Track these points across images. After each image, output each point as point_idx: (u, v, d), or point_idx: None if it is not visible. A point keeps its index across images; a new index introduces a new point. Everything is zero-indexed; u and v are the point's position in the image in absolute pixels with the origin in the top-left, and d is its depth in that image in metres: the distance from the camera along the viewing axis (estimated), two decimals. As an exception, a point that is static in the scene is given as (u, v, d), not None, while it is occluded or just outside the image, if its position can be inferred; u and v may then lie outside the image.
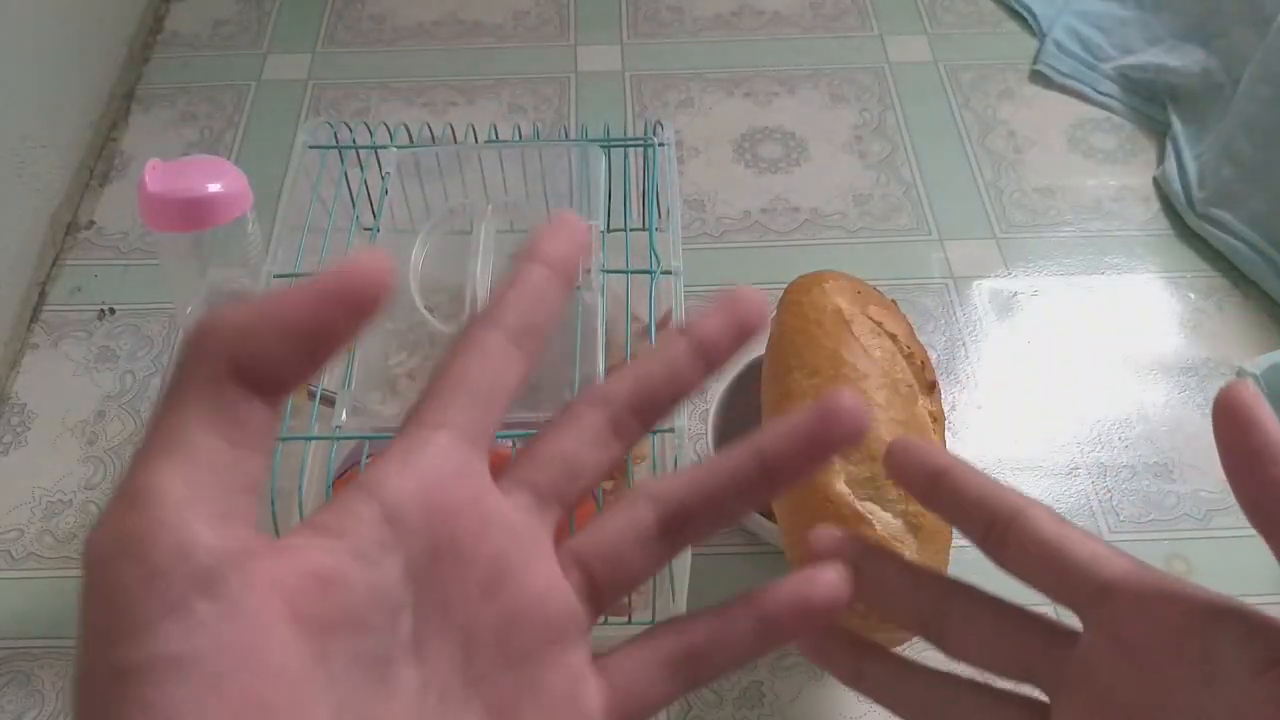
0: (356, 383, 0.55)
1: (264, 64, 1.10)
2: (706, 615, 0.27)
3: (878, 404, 0.60)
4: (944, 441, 0.64)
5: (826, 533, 0.30)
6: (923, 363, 0.64)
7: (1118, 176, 0.99)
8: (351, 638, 0.21)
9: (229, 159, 0.90)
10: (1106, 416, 0.82)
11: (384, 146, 0.66)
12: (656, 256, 0.60)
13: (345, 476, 0.55)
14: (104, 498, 0.76)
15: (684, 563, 0.56)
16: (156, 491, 0.19)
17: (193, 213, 0.64)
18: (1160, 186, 0.98)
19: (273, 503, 0.51)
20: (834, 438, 0.26)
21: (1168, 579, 0.27)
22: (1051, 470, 0.78)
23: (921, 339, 0.69)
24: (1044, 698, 0.29)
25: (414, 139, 0.68)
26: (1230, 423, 0.26)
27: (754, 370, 0.71)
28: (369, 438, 0.54)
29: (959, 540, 0.70)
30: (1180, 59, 1.02)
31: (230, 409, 0.20)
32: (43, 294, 0.89)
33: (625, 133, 0.69)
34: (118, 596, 0.19)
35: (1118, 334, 0.87)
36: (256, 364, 0.20)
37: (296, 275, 0.60)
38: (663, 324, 0.62)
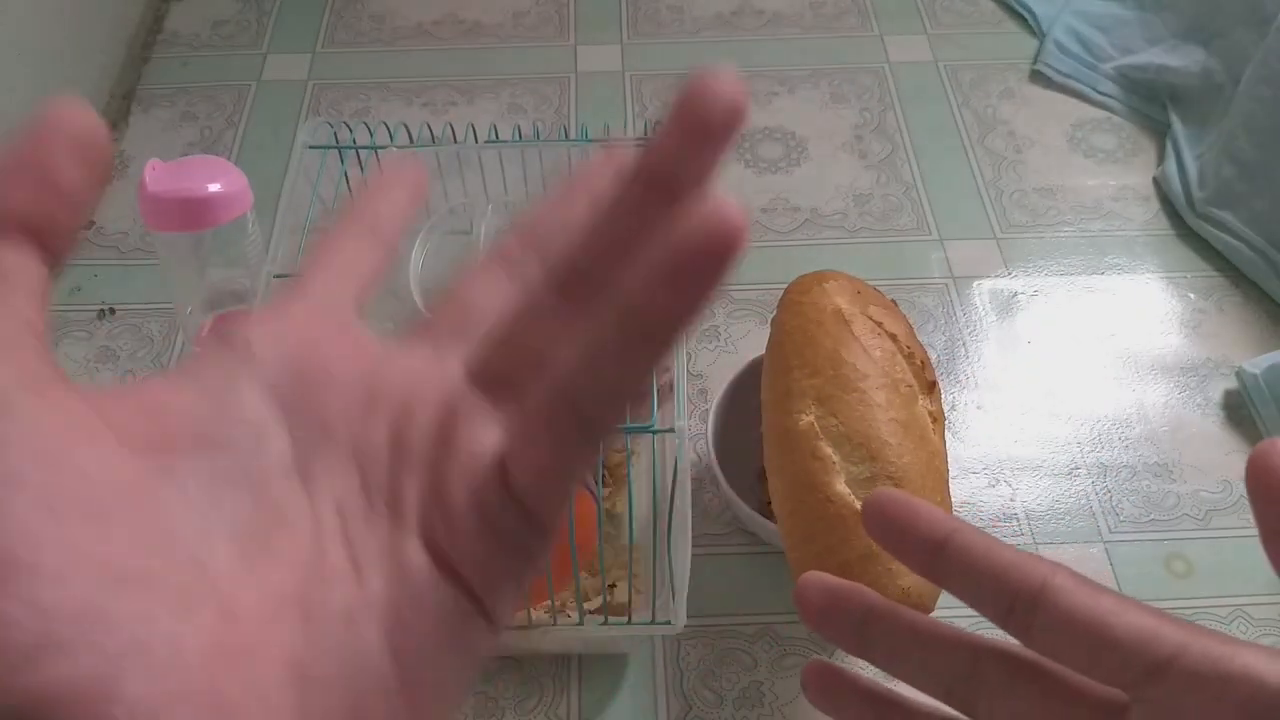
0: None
1: (264, 64, 1.10)
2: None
3: (878, 404, 0.60)
4: (944, 441, 0.64)
5: (824, 579, 0.27)
6: (923, 363, 0.64)
7: (1118, 176, 0.99)
8: (202, 457, 0.19)
9: (229, 159, 0.90)
10: (1106, 416, 0.82)
11: (384, 146, 0.66)
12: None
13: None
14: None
15: (684, 563, 0.56)
16: None
17: (192, 213, 0.64)
18: (1160, 186, 0.98)
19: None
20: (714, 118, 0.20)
21: (1225, 655, 0.24)
22: (1051, 470, 0.78)
23: (921, 339, 0.69)
24: None
25: (414, 139, 0.68)
26: (1264, 488, 0.24)
27: (754, 370, 0.71)
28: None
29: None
30: (1181, 59, 1.02)
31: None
32: (43, 294, 0.89)
33: (625, 133, 0.69)
34: None
35: (1118, 334, 0.87)
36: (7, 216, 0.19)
37: (297, 275, 0.60)
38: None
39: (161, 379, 0.20)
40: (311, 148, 0.67)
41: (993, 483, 0.78)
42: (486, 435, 0.20)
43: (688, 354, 0.84)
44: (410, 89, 1.07)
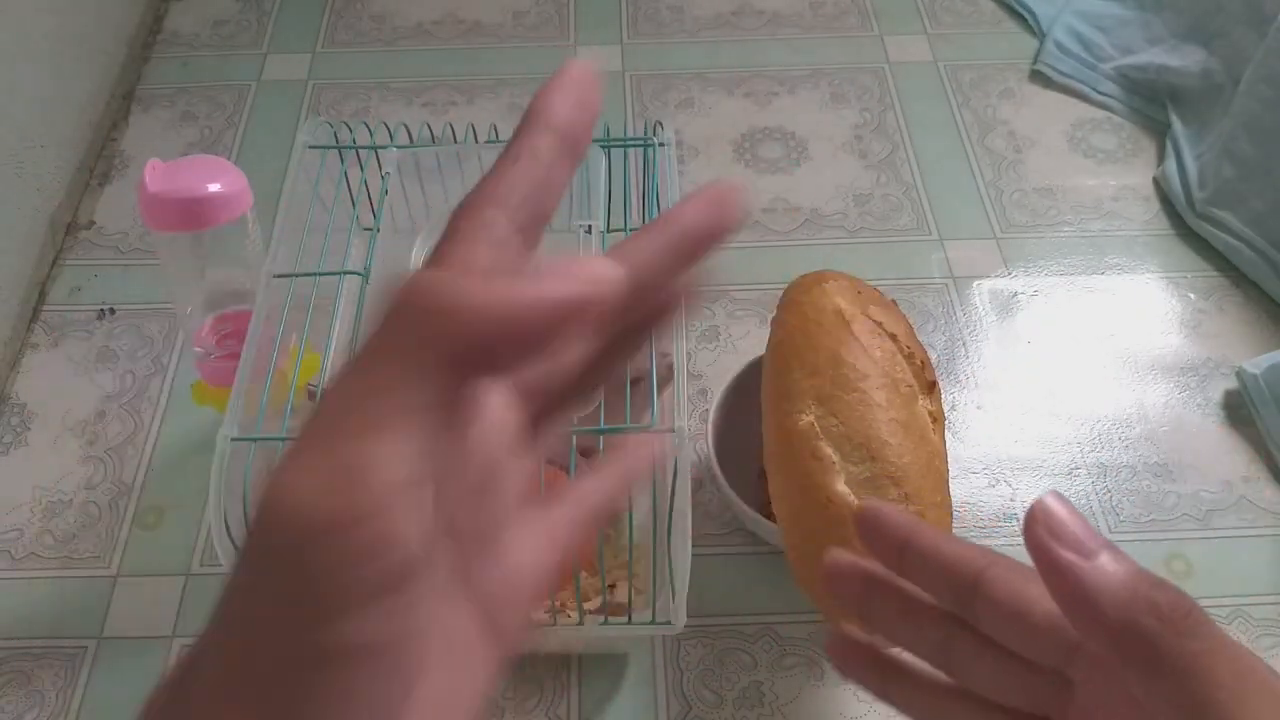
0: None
1: (264, 64, 1.10)
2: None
3: (878, 404, 0.60)
4: (944, 441, 0.64)
5: (838, 556, 0.31)
6: (923, 363, 0.64)
7: (1118, 176, 0.99)
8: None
9: (229, 159, 0.90)
10: (1106, 416, 0.82)
11: (384, 146, 0.66)
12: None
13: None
14: (104, 497, 0.76)
15: (684, 562, 0.56)
16: (370, 471, 0.18)
17: (192, 212, 0.64)
18: (1160, 186, 0.98)
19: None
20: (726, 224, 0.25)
21: None
22: (1051, 470, 0.78)
23: (921, 339, 0.69)
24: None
25: (414, 139, 0.68)
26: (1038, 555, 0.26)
27: (754, 370, 0.71)
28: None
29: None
30: (1181, 59, 1.02)
31: (446, 393, 0.19)
32: (43, 294, 0.89)
33: (625, 133, 0.69)
34: (318, 577, 0.18)
35: (1118, 334, 0.87)
36: (481, 357, 0.20)
37: (296, 275, 0.60)
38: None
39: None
40: (311, 147, 0.67)
41: (993, 483, 0.78)
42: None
43: (688, 354, 0.84)
44: (410, 89, 1.07)
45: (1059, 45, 1.08)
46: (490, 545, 0.24)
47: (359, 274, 0.60)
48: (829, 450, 0.59)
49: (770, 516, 0.64)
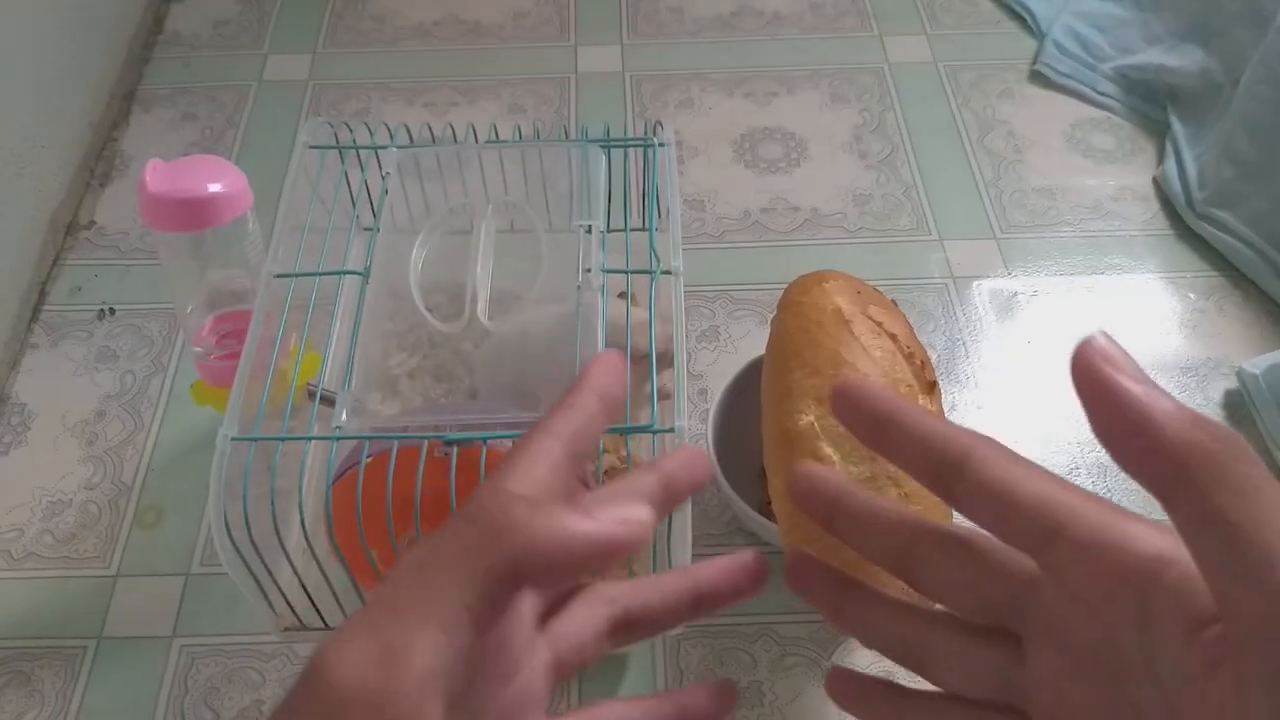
0: (356, 383, 0.55)
1: (264, 64, 1.10)
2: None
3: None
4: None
5: (807, 470, 0.31)
6: (923, 363, 0.64)
7: (1117, 176, 0.99)
8: None
9: (229, 159, 0.90)
10: (1106, 416, 0.81)
11: (384, 146, 0.66)
12: (656, 256, 0.60)
13: (344, 477, 0.55)
14: (104, 497, 0.76)
15: (684, 562, 0.56)
16: (412, 655, 0.22)
17: (193, 213, 0.64)
18: (1160, 186, 0.98)
19: (273, 503, 0.51)
20: (742, 589, 0.32)
21: (1112, 523, 0.26)
22: (1052, 470, 0.78)
23: (921, 339, 0.69)
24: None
25: (414, 139, 0.68)
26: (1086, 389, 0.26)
27: (754, 370, 0.71)
28: (369, 437, 0.54)
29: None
30: (1180, 59, 1.02)
31: (495, 603, 0.24)
32: (43, 294, 0.89)
33: (625, 133, 0.69)
34: None
35: (1118, 334, 0.86)
36: (530, 576, 0.24)
37: (296, 275, 0.60)
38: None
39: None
40: (312, 147, 0.67)
41: (992, 483, 0.78)
42: None
43: (687, 354, 0.84)
44: (411, 89, 1.07)
45: (1058, 45, 1.08)
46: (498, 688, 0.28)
47: (359, 274, 0.60)
48: (829, 450, 0.59)
49: (770, 516, 0.64)
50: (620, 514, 0.26)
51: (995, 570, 0.29)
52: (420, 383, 0.70)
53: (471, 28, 1.14)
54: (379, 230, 0.61)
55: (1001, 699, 0.29)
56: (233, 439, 0.52)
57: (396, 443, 0.52)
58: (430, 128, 0.70)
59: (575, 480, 0.29)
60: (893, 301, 0.69)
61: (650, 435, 0.54)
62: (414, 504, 0.50)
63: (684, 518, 0.54)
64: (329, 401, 0.55)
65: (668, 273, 0.60)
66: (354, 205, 0.67)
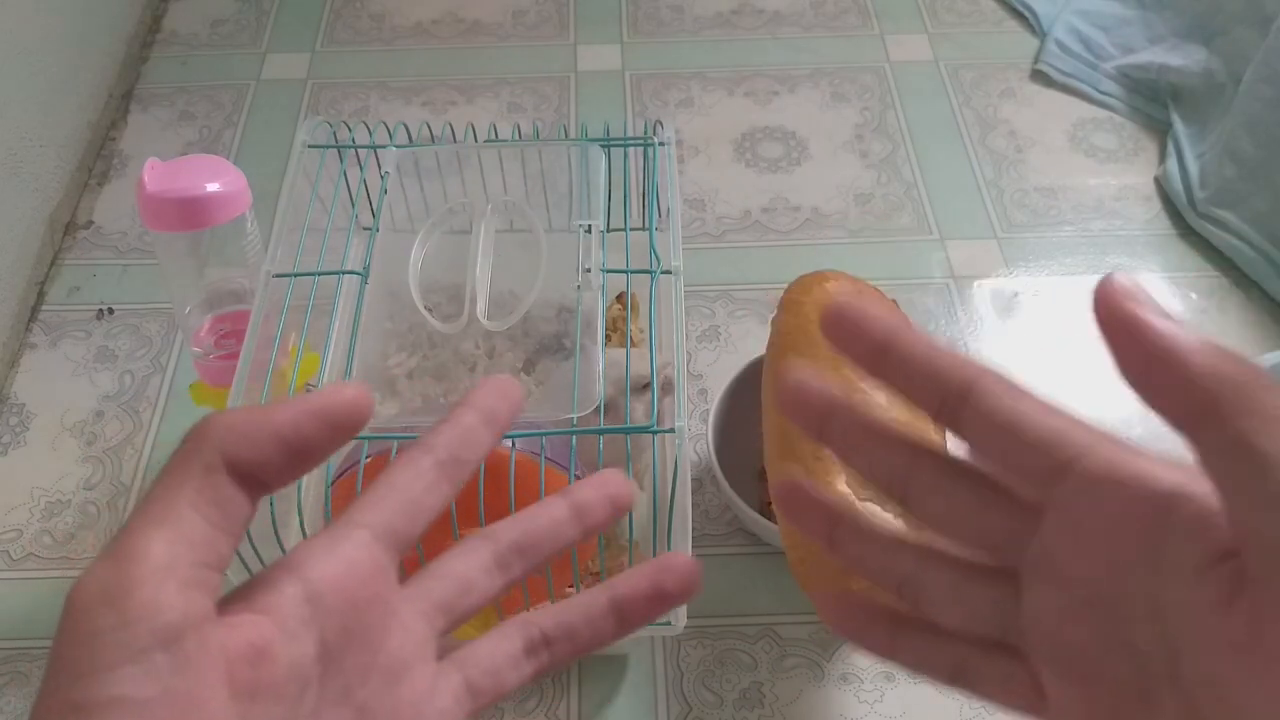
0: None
1: (263, 63, 1.10)
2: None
3: (879, 404, 0.59)
4: (944, 441, 0.64)
5: (799, 378, 0.30)
6: (924, 363, 0.64)
7: (1119, 176, 0.99)
8: (269, 706, 0.24)
9: (228, 158, 0.90)
10: (1106, 416, 0.81)
11: (383, 146, 0.66)
12: (656, 256, 0.60)
13: (344, 477, 0.55)
14: (103, 497, 0.76)
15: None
16: (140, 553, 0.22)
17: (191, 212, 0.63)
18: (1161, 186, 0.98)
19: (272, 504, 0.51)
20: (668, 593, 0.30)
21: (1126, 458, 0.25)
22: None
23: (922, 339, 0.69)
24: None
25: (413, 138, 0.68)
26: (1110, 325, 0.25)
27: (754, 370, 0.70)
28: (368, 438, 0.53)
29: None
30: (1182, 58, 1.02)
31: (216, 495, 0.24)
32: (41, 294, 0.89)
33: (625, 132, 0.68)
34: (88, 638, 0.22)
35: (1119, 334, 0.87)
36: (246, 462, 0.24)
37: (295, 275, 0.60)
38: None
39: (251, 612, 0.24)
40: (311, 147, 0.67)
41: (994, 483, 0.77)
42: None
43: (688, 354, 0.84)
44: (410, 88, 1.07)
45: (1060, 44, 1.08)
46: (379, 679, 0.27)
47: (358, 274, 0.59)
48: (829, 450, 0.59)
49: (770, 516, 0.64)
50: (346, 390, 0.25)
51: (996, 501, 0.28)
52: (420, 383, 0.70)
53: (471, 26, 1.14)
54: (378, 230, 0.61)
55: (998, 635, 0.28)
56: (231, 439, 0.52)
57: (396, 443, 0.52)
58: (429, 127, 0.70)
59: (449, 495, 0.29)
60: (893, 301, 0.69)
61: (650, 435, 0.54)
62: (413, 505, 0.49)
63: (684, 518, 0.53)
64: (328, 402, 0.55)
65: (668, 272, 0.60)
66: (353, 205, 0.67)
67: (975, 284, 0.90)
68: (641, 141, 0.67)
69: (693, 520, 0.57)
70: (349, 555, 0.26)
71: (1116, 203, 0.96)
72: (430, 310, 0.60)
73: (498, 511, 0.50)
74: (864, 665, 0.68)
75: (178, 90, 1.07)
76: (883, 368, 0.29)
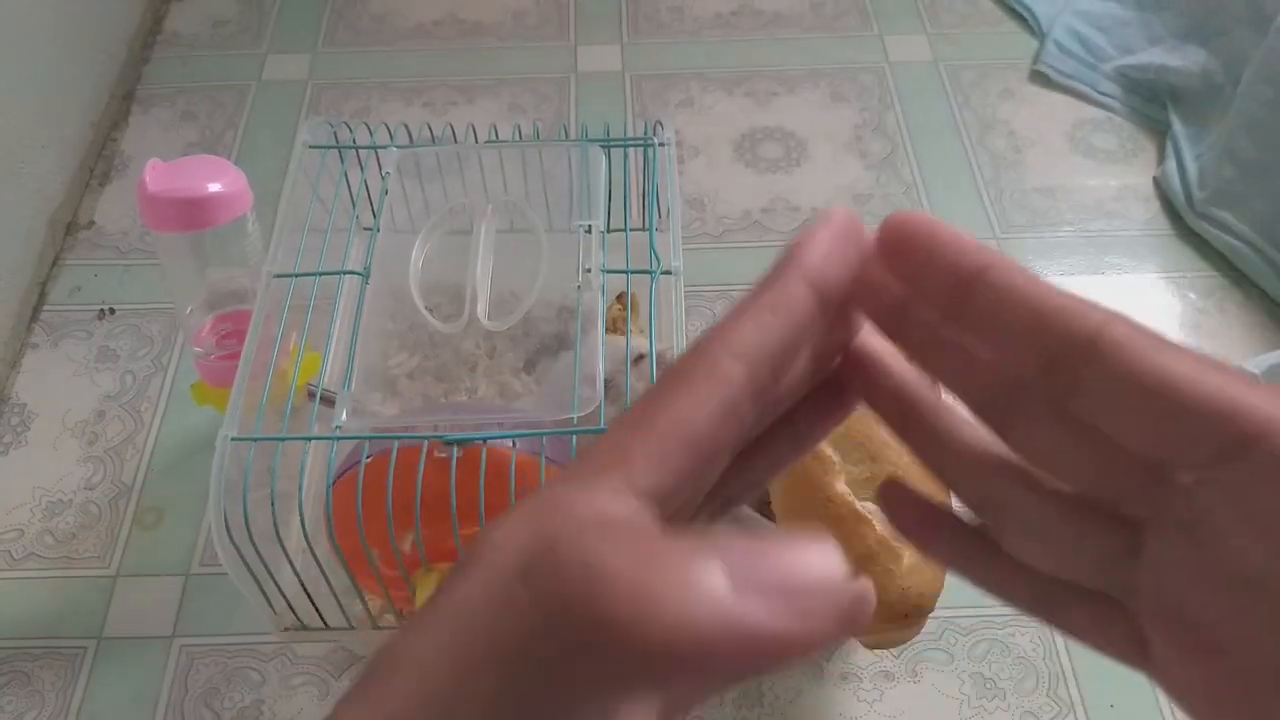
0: (356, 383, 0.55)
1: (264, 64, 1.10)
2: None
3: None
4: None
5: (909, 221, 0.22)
6: (923, 363, 0.64)
7: (1118, 176, 0.99)
8: None
9: (229, 159, 0.90)
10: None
11: (384, 146, 0.66)
12: (656, 256, 0.60)
13: (345, 477, 0.55)
14: (104, 497, 0.76)
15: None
16: None
17: (193, 213, 0.64)
18: (1160, 186, 0.98)
19: (273, 503, 0.51)
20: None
21: None
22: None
23: (922, 339, 0.69)
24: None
25: (414, 139, 0.68)
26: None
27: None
28: (369, 438, 0.54)
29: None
30: (1181, 59, 1.02)
31: None
32: (43, 294, 0.89)
33: (625, 133, 0.69)
34: None
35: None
36: (643, 683, 0.17)
37: (296, 275, 0.60)
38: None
39: None
40: (312, 147, 0.67)
41: (993, 483, 0.78)
42: None
43: (688, 354, 0.84)
44: (410, 89, 1.07)
45: (1059, 45, 1.08)
46: None
47: (359, 274, 0.60)
48: (829, 450, 0.59)
49: (770, 516, 0.64)
50: (794, 572, 0.16)
51: (1125, 455, 0.21)
52: (420, 383, 0.70)
53: (471, 27, 1.14)
54: (379, 230, 0.61)
55: (1096, 586, 0.22)
56: (233, 439, 0.52)
57: (397, 443, 0.52)
58: (430, 127, 0.70)
59: (754, 420, 0.20)
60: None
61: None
62: (414, 504, 0.50)
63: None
64: (329, 401, 0.55)
65: (668, 273, 0.60)
66: (354, 205, 0.67)
67: (974, 284, 0.90)
68: (641, 142, 0.68)
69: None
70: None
71: (1115, 203, 0.97)
72: (431, 310, 0.60)
73: (498, 511, 0.50)
74: (863, 665, 0.68)
75: (179, 91, 1.07)
76: (966, 313, 0.21)
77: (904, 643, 0.63)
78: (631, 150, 0.68)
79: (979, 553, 0.24)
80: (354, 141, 0.67)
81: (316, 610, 0.58)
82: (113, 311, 0.88)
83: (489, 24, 1.14)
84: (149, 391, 0.82)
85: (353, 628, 0.60)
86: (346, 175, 0.67)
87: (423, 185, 0.68)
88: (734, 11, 1.15)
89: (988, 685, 0.67)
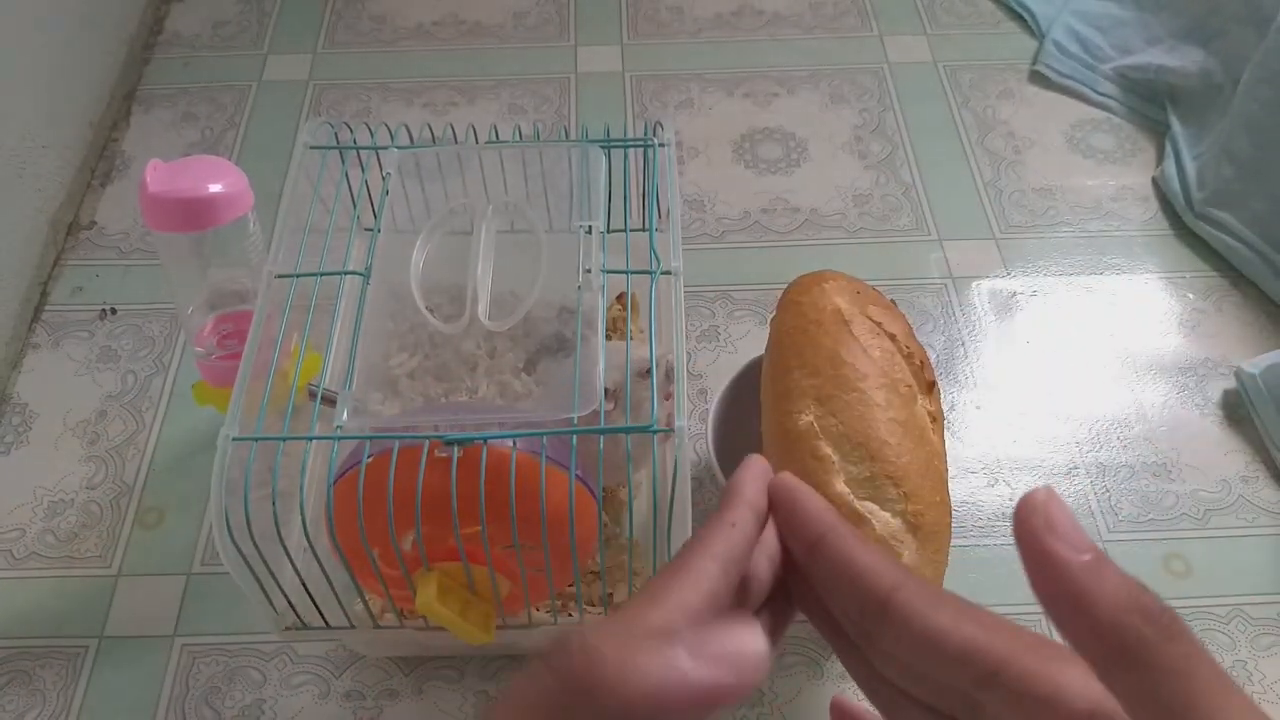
0: (357, 383, 0.55)
1: (265, 64, 1.10)
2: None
3: (877, 404, 0.60)
4: (943, 441, 0.64)
5: (791, 487, 0.30)
6: (922, 363, 0.65)
7: (1117, 177, 0.99)
8: None
9: (230, 159, 0.90)
10: (1105, 416, 0.82)
11: (384, 147, 0.66)
12: (656, 256, 0.60)
13: (346, 477, 0.55)
14: (105, 497, 0.76)
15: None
16: None
17: (193, 213, 0.64)
18: (1159, 187, 0.98)
19: (274, 503, 0.51)
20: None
21: (1047, 674, 0.25)
22: (1051, 470, 0.79)
23: (921, 339, 0.69)
24: None
25: (414, 139, 0.68)
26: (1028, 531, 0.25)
27: (754, 370, 0.71)
28: (369, 438, 0.54)
29: (958, 540, 0.70)
30: (1179, 59, 1.02)
31: None
32: (44, 294, 0.90)
33: (625, 133, 0.69)
34: None
35: (1117, 334, 0.87)
36: None
37: (297, 275, 0.60)
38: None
39: None
40: (312, 148, 0.67)
41: (991, 482, 0.78)
42: None
43: (688, 354, 0.84)
44: (411, 89, 1.07)
45: (1058, 46, 1.08)
46: None
47: (360, 274, 0.60)
48: (828, 450, 0.59)
49: (770, 516, 0.64)
50: (730, 645, 0.24)
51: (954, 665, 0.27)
52: (421, 383, 0.70)
53: (471, 28, 1.14)
54: (379, 231, 0.62)
55: None
56: (234, 439, 0.53)
57: (397, 443, 0.52)
58: (430, 128, 0.71)
59: (728, 600, 0.28)
60: (892, 301, 0.69)
61: (650, 435, 0.54)
62: (415, 504, 0.50)
63: (684, 517, 0.54)
64: (330, 401, 0.55)
65: (668, 273, 0.60)
66: (354, 205, 0.67)
67: (973, 284, 0.90)
68: (641, 142, 0.68)
69: (693, 520, 0.58)
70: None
71: (1114, 203, 0.97)
72: (431, 311, 0.60)
73: (498, 511, 0.51)
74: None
75: (180, 91, 1.07)
76: (811, 561, 0.29)
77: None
78: (631, 151, 0.68)
79: None
80: (354, 142, 0.67)
81: (317, 609, 0.59)
82: (114, 311, 0.88)
83: (489, 24, 1.14)
84: (150, 391, 0.83)
85: (354, 627, 0.61)
86: (347, 176, 0.67)
87: (423, 186, 0.68)
88: (734, 11, 1.15)
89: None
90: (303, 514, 0.52)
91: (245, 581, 0.54)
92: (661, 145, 0.67)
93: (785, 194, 0.97)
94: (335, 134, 0.68)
